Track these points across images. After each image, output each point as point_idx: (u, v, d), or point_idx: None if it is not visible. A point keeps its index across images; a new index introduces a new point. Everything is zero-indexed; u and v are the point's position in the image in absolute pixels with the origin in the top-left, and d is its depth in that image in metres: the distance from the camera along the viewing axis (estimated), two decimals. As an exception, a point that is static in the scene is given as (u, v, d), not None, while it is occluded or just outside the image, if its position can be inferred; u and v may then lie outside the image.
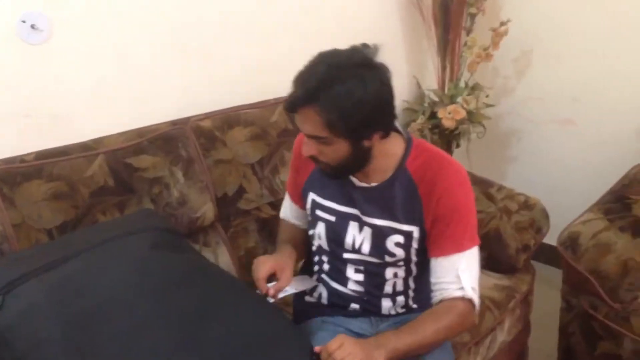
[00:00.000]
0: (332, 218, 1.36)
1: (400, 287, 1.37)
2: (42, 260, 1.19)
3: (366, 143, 1.20)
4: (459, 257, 1.23)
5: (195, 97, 1.95)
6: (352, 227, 1.33)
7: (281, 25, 2.15)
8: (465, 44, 2.45)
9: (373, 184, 1.30)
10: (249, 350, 1.10)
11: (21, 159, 1.52)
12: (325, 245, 1.39)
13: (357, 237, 1.33)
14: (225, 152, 1.80)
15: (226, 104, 1.95)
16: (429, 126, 2.52)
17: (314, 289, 1.45)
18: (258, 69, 2.11)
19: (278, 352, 1.14)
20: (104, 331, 1.06)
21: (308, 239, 1.47)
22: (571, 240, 1.71)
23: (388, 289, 1.37)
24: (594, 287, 1.63)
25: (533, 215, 1.82)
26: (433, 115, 2.53)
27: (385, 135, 1.22)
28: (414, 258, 1.32)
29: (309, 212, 1.42)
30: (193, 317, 1.12)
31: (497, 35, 2.37)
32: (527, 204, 1.85)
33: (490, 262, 1.82)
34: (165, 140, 1.70)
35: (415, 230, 1.28)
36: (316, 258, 1.45)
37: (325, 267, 1.42)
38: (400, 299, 1.39)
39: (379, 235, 1.31)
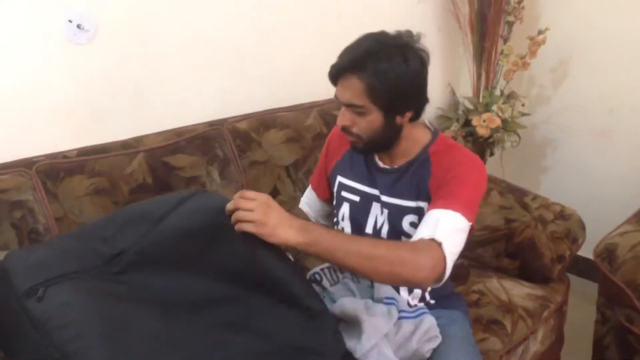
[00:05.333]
0: (357, 198, 1.42)
1: None
2: (93, 262, 1.18)
3: (398, 119, 1.28)
4: (444, 213, 1.21)
5: (232, 99, 1.98)
6: (375, 207, 1.39)
7: (317, 30, 2.16)
8: (502, 52, 2.43)
9: (395, 167, 1.37)
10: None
11: (64, 154, 1.56)
12: (347, 229, 1.43)
13: (378, 217, 1.39)
14: (261, 154, 1.82)
15: (262, 107, 1.98)
16: (463, 134, 2.51)
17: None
18: (294, 72, 2.14)
19: None
20: (141, 329, 1.07)
21: None
22: (608, 252, 1.68)
23: None
24: (631, 299, 1.60)
25: (569, 226, 1.79)
26: (467, 123, 2.52)
27: (416, 116, 1.32)
28: None
29: (335, 195, 1.47)
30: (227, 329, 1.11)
31: (535, 44, 2.35)
32: (562, 214, 1.82)
33: (524, 271, 1.80)
34: (203, 140, 1.73)
35: (425, 207, 1.30)
36: None
37: None
38: (417, 290, 1.40)
39: (396, 215, 1.36)
